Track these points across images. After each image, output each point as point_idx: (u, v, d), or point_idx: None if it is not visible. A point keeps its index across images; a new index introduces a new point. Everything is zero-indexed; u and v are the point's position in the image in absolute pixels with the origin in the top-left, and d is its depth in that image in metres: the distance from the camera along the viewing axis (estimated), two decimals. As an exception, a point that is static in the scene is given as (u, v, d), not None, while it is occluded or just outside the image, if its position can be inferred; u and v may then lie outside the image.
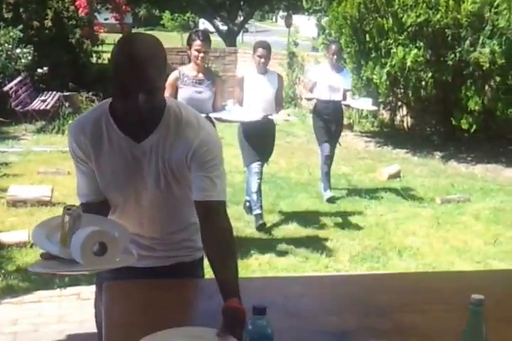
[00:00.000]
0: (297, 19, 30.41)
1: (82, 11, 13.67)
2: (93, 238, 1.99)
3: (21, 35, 12.48)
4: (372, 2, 10.00)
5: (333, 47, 7.43)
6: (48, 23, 13.27)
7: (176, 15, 29.73)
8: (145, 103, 2.08)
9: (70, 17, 13.66)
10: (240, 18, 24.81)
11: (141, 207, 2.37)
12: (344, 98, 7.43)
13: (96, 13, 15.33)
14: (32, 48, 12.64)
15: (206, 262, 2.36)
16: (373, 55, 10.18)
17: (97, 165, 2.30)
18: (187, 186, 2.32)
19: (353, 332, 2.05)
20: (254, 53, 6.43)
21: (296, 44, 14.85)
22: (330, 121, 7.45)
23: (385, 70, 9.91)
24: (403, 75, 9.84)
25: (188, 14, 27.26)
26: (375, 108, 8.05)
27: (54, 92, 12.67)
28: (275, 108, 6.28)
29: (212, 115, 5.48)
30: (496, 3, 8.86)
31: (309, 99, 8.19)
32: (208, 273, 2.36)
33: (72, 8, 13.63)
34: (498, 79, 9.14)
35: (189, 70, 5.61)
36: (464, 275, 2.85)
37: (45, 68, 12.88)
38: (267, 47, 6.43)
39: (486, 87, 9.59)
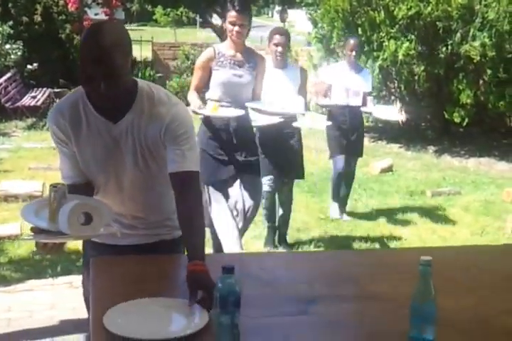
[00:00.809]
0: (293, 14, 30.55)
1: (71, 6, 13.64)
2: (78, 209, 2.17)
3: (11, 30, 12.49)
4: (364, -5, 10.05)
5: (352, 42, 6.40)
6: (38, 18, 13.23)
7: (169, 10, 29.50)
8: (110, 87, 2.20)
9: (59, 12, 13.60)
10: (235, 13, 24.77)
11: (121, 187, 2.49)
12: (364, 103, 6.35)
13: (86, 8, 15.24)
14: (21, 44, 12.67)
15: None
16: (366, 48, 10.17)
17: (78, 147, 2.42)
18: (164, 166, 2.44)
19: (322, 298, 2.22)
20: (269, 42, 5.51)
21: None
22: (348, 131, 6.38)
23: (377, 64, 9.98)
24: (395, 69, 9.93)
25: (181, 9, 27.17)
26: (400, 118, 7.01)
27: (44, 89, 12.69)
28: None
29: (249, 105, 4.65)
30: (487, -5, 8.91)
31: (325, 107, 7.14)
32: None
33: (61, 3, 13.57)
34: (489, 72, 9.21)
35: (226, 49, 4.60)
36: (426, 250, 3.06)
37: (35, 64, 12.98)
38: (284, 33, 5.58)
39: (480, 81, 9.63)
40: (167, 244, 2.64)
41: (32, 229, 2.25)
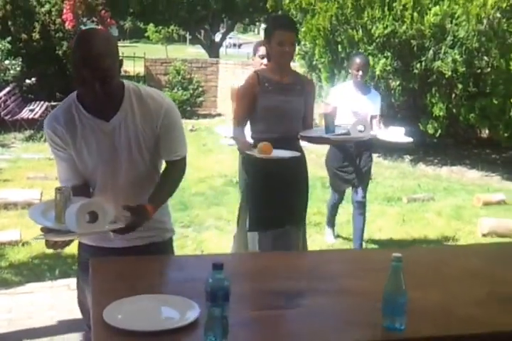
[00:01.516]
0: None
1: (68, 24, 13.61)
2: (84, 209, 2.25)
3: (10, 47, 12.46)
4: (343, 15, 10.03)
5: (358, 60, 5.50)
6: (36, 35, 13.21)
7: (160, 27, 29.53)
8: (104, 87, 2.31)
9: (56, 30, 13.56)
10: (222, 30, 24.91)
11: (117, 186, 2.55)
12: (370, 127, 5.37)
13: (82, 26, 15.20)
14: (20, 60, 12.64)
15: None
16: (345, 64, 9.91)
17: (75, 149, 2.48)
18: (152, 164, 2.61)
19: (305, 293, 2.29)
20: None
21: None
22: (353, 158, 5.59)
23: (357, 79, 10.00)
24: (373, 83, 9.71)
25: (171, 27, 27.20)
26: (409, 140, 5.45)
27: (42, 102, 12.65)
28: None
29: (304, 134, 3.81)
30: (456, 15, 8.97)
31: None
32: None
33: (59, 21, 13.53)
34: (460, 86, 9.25)
35: (271, 72, 3.83)
36: (398, 249, 3.13)
37: (33, 79, 12.91)
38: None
39: (452, 95, 9.67)
40: (158, 246, 2.69)
41: (42, 230, 2.32)
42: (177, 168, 2.68)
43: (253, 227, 3.76)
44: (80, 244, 2.76)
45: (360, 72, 5.40)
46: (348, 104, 5.41)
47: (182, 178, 2.72)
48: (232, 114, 4.01)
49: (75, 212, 2.23)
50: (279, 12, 11.97)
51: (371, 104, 5.55)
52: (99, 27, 15.45)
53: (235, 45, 41.07)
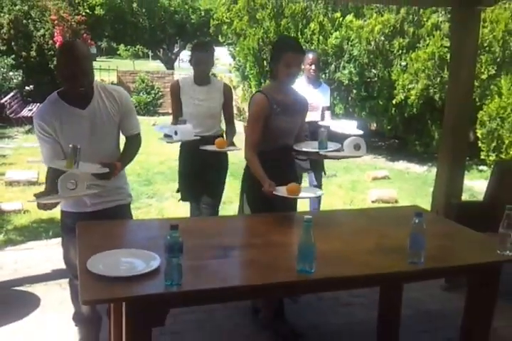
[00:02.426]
0: (219, 50, 30.42)
1: (58, 44, 13.41)
2: (66, 178, 2.30)
3: (13, 62, 12.30)
4: (267, 37, 9.98)
5: (311, 56, 4.61)
6: (33, 53, 12.96)
7: (129, 47, 29.12)
8: (84, 83, 2.40)
9: (49, 48, 13.30)
10: (176, 49, 24.62)
11: (91, 158, 2.48)
12: (322, 118, 4.79)
13: (68, 45, 15.02)
14: (21, 72, 12.44)
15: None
16: (269, 75, 10.20)
17: (60, 132, 2.47)
18: (117, 139, 2.66)
19: (238, 246, 2.30)
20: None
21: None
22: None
23: (278, 86, 10.01)
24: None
25: (138, 46, 26.77)
26: (360, 132, 4.30)
27: (38, 104, 12.29)
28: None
29: (299, 148, 3.03)
30: (351, 38, 9.00)
31: None
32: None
33: (51, 42, 13.28)
34: (355, 91, 9.30)
35: (276, 93, 2.92)
36: (310, 213, 3.15)
37: (31, 86, 12.73)
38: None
39: (349, 98, 9.62)
40: (122, 208, 2.68)
41: (34, 195, 2.34)
42: (135, 141, 2.71)
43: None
44: (62, 212, 2.70)
45: (313, 67, 4.63)
46: None
47: (139, 149, 2.75)
48: (246, 138, 2.95)
49: (59, 181, 2.26)
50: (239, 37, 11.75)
51: (322, 97, 4.80)
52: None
53: (185, 60, 40.58)
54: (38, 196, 2.34)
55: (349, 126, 4.42)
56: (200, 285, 1.89)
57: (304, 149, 3.00)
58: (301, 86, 4.38)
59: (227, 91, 3.83)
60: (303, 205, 4.20)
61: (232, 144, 3.77)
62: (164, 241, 1.80)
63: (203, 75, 3.76)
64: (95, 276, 1.85)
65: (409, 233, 2.15)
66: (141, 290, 1.82)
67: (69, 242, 2.59)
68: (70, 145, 2.37)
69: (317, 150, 2.96)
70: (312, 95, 4.50)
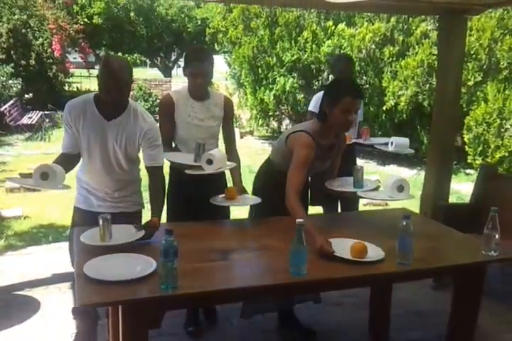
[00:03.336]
0: (216, 58, 30.41)
1: (57, 53, 13.38)
2: (39, 168, 2.32)
3: (13, 70, 12.26)
4: (262, 46, 10.05)
5: (344, 63, 3.80)
6: (32, 61, 12.99)
7: (127, 55, 28.99)
8: (119, 97, 2.40)
9: (48, 57, 13.35)
10: (174, 57, 24.66)
11: (100, 166, 2.58)
12: (359, 135, 3.92)
13: (67, 54, 15.00)
14: (20, 80, 12.41)
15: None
16: (264, 82, 10.23)
17: (81, 130, 2.51)
18: (131, 160, 2.61)
19: (233, 249, 2.30)
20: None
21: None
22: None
23: (272, 93, 10.01)
24: (284, 96, 9.95)
25: (135, 54, 26.80)
26: (411, 151, 3.79)
27: (37, 111, 12.42)
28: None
29: (334, 188, 2.78)
30: (343, 47, 9.03)
31: None
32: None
33: (49, 50, 13.33)
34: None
35: (321, 136, 2.66)
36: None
37: (31, 94, 12.70)
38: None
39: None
40: (127, 215, 2.66)
41: (20, 174, 2.40)
42: (157, 178, 2.60)
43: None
44: (74, 208, 2.77)
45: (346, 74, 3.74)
46: None
47: (165, 187, 2.70)
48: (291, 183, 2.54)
49: (34, 170, 2.31)
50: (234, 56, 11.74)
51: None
52: (81, 54, 15.19)
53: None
54: (22, 175, 2.38)
55: (401, 144, 3.62)
56: (195, 288, 1.89)
57: (339, 189, 2.73)
58: None
59: (229, 107, 3.05)
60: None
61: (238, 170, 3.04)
62: (160, 245, 1.82)
63: (200, 90, 2.92)
64: (92, 280, 1.86)
65: (397, 235, 2.18)
66: (137, 293, 1.83)
67: (73, 235, 2.62)
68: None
69: (354, 190, 2.71)
70: None
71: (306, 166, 2.56)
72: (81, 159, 2.64)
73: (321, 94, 2.93)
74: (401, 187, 2.62)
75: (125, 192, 2.68)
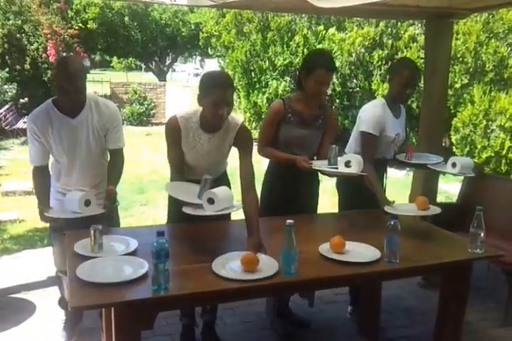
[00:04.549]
0: (209, 62, 30.49)
1: (51, 58, 13.27)
2: (84, 197, 2.45)
3: (8, 75, 12.22)
4: (254, 50, 10.09)
5: (408, 72, 2.97)
6: (27, 66, 12.91)
7: (122, 59, 29.10)
8: (78, 96, 2.48)
9: (43, 62, 13.27)
10: (168, 61, 24.66)
11: (81, 164, 2.65)
12: (406, 150, 3.23)
13: (62, 59, 15.00)
14: (16, 85, 12.39)
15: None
16: (257, 86, 10.27)
17: (52, 138, 2.56)
18: (104, 151, 2.71)
19: (223, 250, 2.26)
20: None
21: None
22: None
23: (265, 96, 10.04)
24: (277, 99, 10.02)
25: (130, 58, 26.81)
26: (472, 174, 3.05)
27: (33, 116, 12.41)
28: None
29: (315, 167, 2.75)
30: (333, 51, 9.01)
31: None
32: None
33: (44, 55, 13.24)
34: (338, 101, 9.38)
35: (297, 103, 2.86)
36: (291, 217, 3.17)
37: (26, 99, 12.73)
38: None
39: (333, 107, 9.82)
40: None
41: (41, 210, 2.58)
42: (119, 157, 2.74)
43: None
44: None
45: (408, 89, 3.00)
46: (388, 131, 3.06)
47: (123, 165, 2.78)
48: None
49: (77, 199, 2.45)
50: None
51: (402, 125, 3.23)
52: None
53: (178, 70, 40.53)
54: (44, 211, 2.50)
55: (467, 166, 3.03)
56: (187, 289, 1.90)
57: (316, 168, 2.73)
58: (387, 118, 3.05)
59: (244, 138, 2.58)
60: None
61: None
62: (151, 247, 1.82)
63: (220, 121, 2.46)
64: (84, 283, 1.86)
65: (385, 234, 2.20)
66: (129, 295, 1.83)
67: (55, 240, 2.74)
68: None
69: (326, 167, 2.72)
70: (397, 127, 3.13)
71: (270, 125, 2.84)
72: (51, 166, 2.71)
73: (374, 112, 2.94)
74: (348, 162, 2.67)
75: (100, 189, 2.73)
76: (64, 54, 15.07)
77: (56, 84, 2.50)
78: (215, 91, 2.33)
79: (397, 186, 7.48)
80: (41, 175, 2.66)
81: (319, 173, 2.89)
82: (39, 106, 2.64)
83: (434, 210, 2.71)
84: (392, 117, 3.08)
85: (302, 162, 2.71)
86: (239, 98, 11.01)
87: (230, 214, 2.50)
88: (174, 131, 2.52)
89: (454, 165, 3.03)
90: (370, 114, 3.01)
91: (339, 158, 2.72)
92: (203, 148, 2.55)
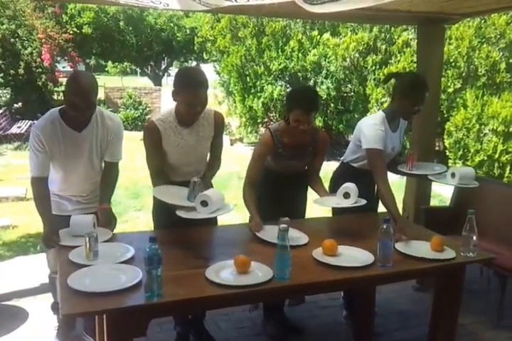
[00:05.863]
0: (204, 67, 30.50)
1: (46, 62, 13.30)
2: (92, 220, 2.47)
3: (1, 80, 12.25)
4: (250, 55, 10.12)
5: (421, 93, 2.89)
6: (21, 71, 12.87)
7: (117, 63, 29.08)
8: (86, 112, 2.43)
9: (37, 66, 13.27)
10: (164, 66, 24.65)
11: (81, 175, 2.65)
12: (407, 160, 3.19)
13: (56, 63, 14.88)
14: (10, 89, 12.40)
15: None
16: (252, 90, 10.29)
17: (53, 148, 2.52)
18: (101, 161, 2.70)
19: (216, 255, 2.31)
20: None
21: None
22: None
23: (261, 101, 10.08)
24: (272, 103, 10.00)
25: (125, 63, 26.78)
26: (476, 184, 2.93)
27: (26, 121, 12.31)
28: None
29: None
30: (328, 56, 9.13)
31: None
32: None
33: (38, 60, 13.23)
34: (332, 105, 9.42)
35: (286, 136, 2.83)
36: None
37: (20, 104, 12.69)
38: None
39: (327, 111, 9.80)
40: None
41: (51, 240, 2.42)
42: (114, 171, 2.72)
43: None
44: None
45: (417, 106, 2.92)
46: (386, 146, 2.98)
47: (117, 180, 2.76)
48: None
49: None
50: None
51: (400, 137, 3.20)
52: (70, 63, 15.10)
53: (172, 76, 40.52)
54: (55, 239, 2.38)
55: (467, 177, 2.92)
56: (180, 296, 1.89)
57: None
58: (387, 133, 2.99)
59: (220, 123, 2.75)
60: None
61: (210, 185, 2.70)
62: (143, 253, 1.81)
63: (194, 118, 2.60)
64: (76, 291, 1.84)
65: (378, 238, 2.20)
66: (121, 302, 1.82)
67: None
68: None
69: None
70: (396, 141, 3.14)
71: (258, 160, 2.78)
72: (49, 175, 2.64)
73: (375, 128, 2.90)
74: (347, 194, 2.65)
75: (96, 192, 2.73)
76: (58, 59, 15.14)
77: (66, 98, 2.39)
78: (188, 91, 2.41)
79: (392, 189, 7.51)
80: (42, 186, 2.54)
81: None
82: (45, 116, 2.57)
83: (448, 254, 2.40)
84: (390, 132, 3.04)
85: (254, 226, 2.55)
86: (234, 102, 11.03)
87: (216, 217, 2.58)
88: (153, 135, 2.58)
89: (453, 175, 2.95)
90: (374, 131, 2.93)
91: (338, 191, 2.67)
92: (187, 143, 2.64)
